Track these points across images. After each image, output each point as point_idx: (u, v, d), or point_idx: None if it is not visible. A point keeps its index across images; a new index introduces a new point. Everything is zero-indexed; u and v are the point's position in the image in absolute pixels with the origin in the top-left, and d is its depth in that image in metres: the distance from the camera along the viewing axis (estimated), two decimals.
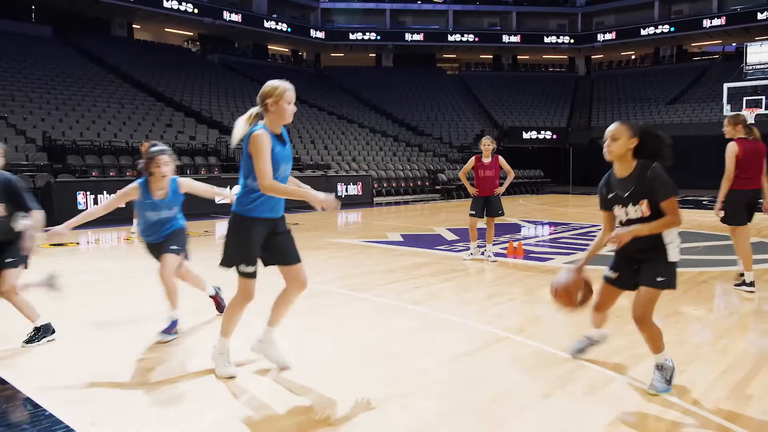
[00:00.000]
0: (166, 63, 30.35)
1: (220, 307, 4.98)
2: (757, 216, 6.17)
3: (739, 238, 5.84)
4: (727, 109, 24.57)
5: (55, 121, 18.58)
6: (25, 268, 4.13)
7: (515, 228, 11.82)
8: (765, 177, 5.77)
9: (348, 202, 18.41)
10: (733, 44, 37.73)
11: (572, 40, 41.69)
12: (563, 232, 11.27)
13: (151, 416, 3.02)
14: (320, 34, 40.00)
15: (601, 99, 37.15)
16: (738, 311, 5.29)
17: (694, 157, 21.10)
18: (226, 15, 34.45)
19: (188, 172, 17.59)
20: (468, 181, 7.97)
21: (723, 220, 5.98)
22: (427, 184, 23.62)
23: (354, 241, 9.85)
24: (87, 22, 31.81)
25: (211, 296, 4.99)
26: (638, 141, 3.13)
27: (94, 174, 15.46)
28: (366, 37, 40.76)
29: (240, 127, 3.32)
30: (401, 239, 10.12)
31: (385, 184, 22.13)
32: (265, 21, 36.79)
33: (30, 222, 3.88)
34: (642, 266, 3.20)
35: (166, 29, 36.09)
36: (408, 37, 41.10)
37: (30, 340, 4.14)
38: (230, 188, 15.58)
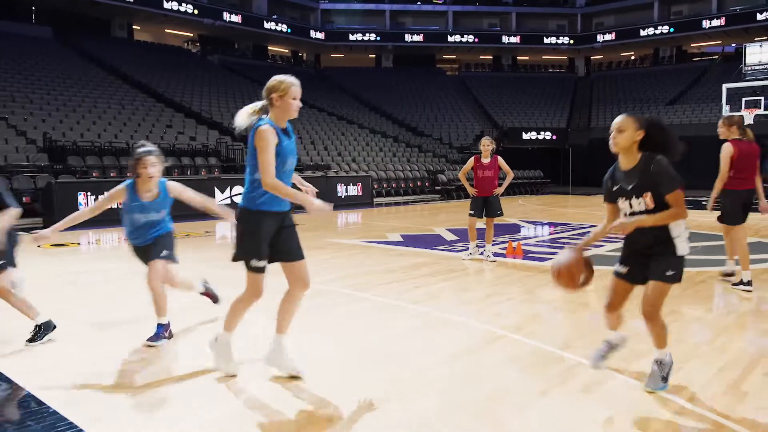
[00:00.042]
0: (166, 64, 30.40)
1: (214, 298, 4.97)
2: (756, 216, 6.23)
3: (737, 238, 5.92)
4: (726, 110, 24.62)
5: (56, 122, 18.62)
6: (14, 267, 4.13)
7: (515, 228, 11.86)
8: (759, 177, 5.88)
9: (348, 203, 18.44)
10: (733, 45, 37.80)
11: (572, 41, 41.75)
12: (563, 232, 11.30)
13: (151, 415, 3.04)
14: (320, 35, 40.06)
15: (601, 100, 37.20)
16: (736, 310, 5.33)
17: (693, 157, 21.03)
18: (226, 16, 34.52)
19: (188, 172, 17.64)
20: (467, 182, 8.01)
21: (720, 219, 6.04)
22: (426, 184, 23.65)
23: (354, 242, 9.88)
24: (87, 23, 31.87)
25: (202, 293, 4.95)
26: (644, 134, 3.12)
27: (94, 175, 15.50)
28: (366, 38, 40.83)
29: (243, 117, 3.31)
30: (401, 239, 10.15)
31: (384, 185, 22.17)
32: (265, 22, 36.85)
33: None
34: (650, 261, 3.18)
35: (166, 30, 36.16)
36: (408, 37, 41.17)
37: (33, 339, 4.16)
38: (230, 189, 15.71)
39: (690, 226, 3.37)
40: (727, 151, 5.70)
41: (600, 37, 40.71)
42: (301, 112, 3.48)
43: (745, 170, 5.73)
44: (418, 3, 42.92)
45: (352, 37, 40.84)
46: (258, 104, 3.34)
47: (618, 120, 3.18)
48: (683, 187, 3.05)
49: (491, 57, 44.42)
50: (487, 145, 7.82)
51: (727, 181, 5.78)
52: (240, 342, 3.80)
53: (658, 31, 38.40)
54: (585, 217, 14.38)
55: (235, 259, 3.43)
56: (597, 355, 3.47)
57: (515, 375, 3.57)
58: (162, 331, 4.23)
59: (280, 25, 37.53)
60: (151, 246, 4.23)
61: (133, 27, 34.65)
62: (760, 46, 27.48)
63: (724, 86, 25.70)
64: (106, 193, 4.23)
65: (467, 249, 8.14)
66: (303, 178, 3.71)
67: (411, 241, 9.98)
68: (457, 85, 40.88)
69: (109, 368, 3.72)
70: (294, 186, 3.47)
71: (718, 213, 6.09)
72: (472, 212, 7.88)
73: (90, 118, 19.75)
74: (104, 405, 3.15)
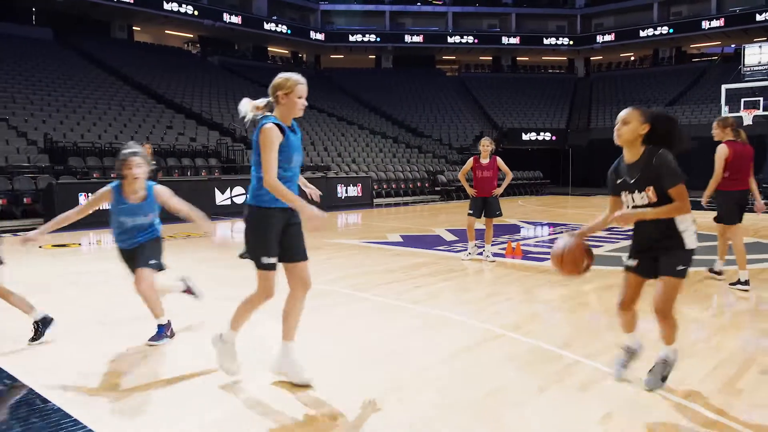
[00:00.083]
0: (166, 65, 30.45)
1: (195, 294, 4.95)
2: (755, 217, 6.29)
3: (733, 238, 5.99)
4: (725, 111, 24.66)
5: (56, 123, 18.67)
6: (2, 263, 4.15)
7: (514, 229, 11.90)
8: (753, 178, 5.98)
9: (348, 204, 18.49)
10: (732, 45, 37.85)
11: (571, 42, 41.81)
12: (562, 232, 11.34)
13: (151, 415, 3.06)
14: (320, 36, 40.12)
15: (600, 100, 37.25)
16: (733, 310, 5.37)
17: (693, 158, 21.07)
18: (226, 17, 34.58)
19: (189, 173, 17.69)
20: (467, 182, 8.06)
21: (717, 220, 6.11)
22: (426, 185, 23.70)
23: (354, 242, 9.92)
24: (87, 25, 31.93)
25: (184, 291, 4.90)
26: (649, 127, 3.10)
27: (95, 176, 15.55)
28: (366, 39, 40.89)
29: (247, 106, 3.30)
30: (401, 240, 10.19)
31: (384, 186, 22.22)
32: (265, 23, 36.91)
33: None
34: (660, 257, 3.15)
35: (166, 31, 36.21)
36: (407, 38, 41.23)
37: (35, 338, 4.19)
38: (231, 190, 15.75)
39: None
40: (722, 152, 5.79)
41: (599, 38, 40.78)
42: None
43: (739, 171, 5.83)
44: (418, 4, 43.00)
45: (351, 38, 40.90)
46: (263, 101, 3.32)
47: (624, 112, 3.15)
48: (685, 181, 3.02)
49: (491, 58, 44.48)
50: (486, 145, 7.87)
51: (721, 182, 5.87)
52: (244, 342, 3.83)
53: (657, 32, 38.47)
54: (585, 217, 14.42)
55: (243, 256, 3.35)
56: (618, 365, 3.40)
57: (514, 373, 3.61)
58: (163, 331, 4.25)
59: (280, 26, 37.59)
60: (139, 252, 4.18)
61: (134, 28, 34.72)
62: (760, 47, 27.51)
63: (723, 87, 25.74)
64: (92, 195, 4.19)
65: (466, 249, 8.18)
66: (304, 178, 3.70)
67: (411, 241, 10.02)
68: (457, 86, 40.94)
69: (111, 368, 3.75)
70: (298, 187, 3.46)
71: (714, 214, 6.17)
72: (471, 212, 7.93)
73: (90, 119, 19.80)
74: (105, 404, 3.18)
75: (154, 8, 31.67)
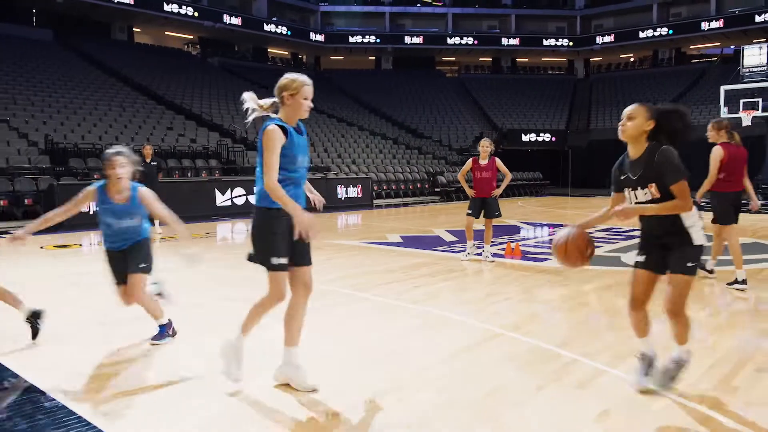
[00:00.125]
0: (166, 66, 30.50)
1: (165, 298, 4.74)
2: (753, 218, 6.35)
3: (729, 238, 6.07)
4: (724, 112, 24.71)
5: (57, 124, 18.71)
6: None
7: (514, 229, 11.94)
8: (747, 179, 6.08)
9: (348, 205, 18.53)
10: (732, 47, 37.90)
11: (571, 43, 41.88)
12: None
13: (151, 414, 3.08)
14: (320, 37, 40.17)
15: (600, 101, 37.31)
16: (730, 309, 5.41)
17: (693, 158, 21.12)
18: (226, 18, 34.63)
19: (189, 174, 17.73)
20: (466, 183, 8.10)
21: (713, 221, 6.17)
22: (426, 186, 23.74)
23: (354, 243, 9.96)
24: (87, 26, 31.99)
25: (157, 294, 4.72)
26: (655, 124, 3.08)
27: (95, 177, 15.56)
28: (365, 40, 40.96)
29: (251, 102, 3.28)
30: (401, 240, 10.23)
31: (384, 187, 22.26)
32: (265, 24, 36.96)
33: None
34: (669, 255, 3.13)
35: (166, 32, 36.26)
36: (407, 40, 41.28)
37: (35, 334, 4.22)
38: (231, 191, 15.79)
39: None
40: (717, 153, 5.87)
41: (599, 39, 40.84)
42: None
43: (734, 173, 5.92)
44: (418, 5, 43.07)
45: (351, 40, 40.96)
46: (268, 101, 3.30)
47: (629, 108, 3.14)
48: (688, 178, 3.00)
49: (491, 59, 44.54)
50: (486, 146, 7.92)
51: (716, 184, 5.95)
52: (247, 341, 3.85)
53: (657, 33, 38.53)
54: (584, 218, 14.44)
55: (251, 258, 3.29)
56: (639, 375, 3.28)
57: (513, 373, 3.64)
58: (165, 330, 4.28)
59: (280, 27, 37.65)
60: (128, 255, 4.15)
61: (134, 29, 34.76)
62: (760, 48, 27.57)
63: (722, 88, 25.80)
64: (77, 194, 4.14)
65: (465, 250, 8.22)
66: (309, 184, 3.62)
67: (410, 242, 10.06)
68: (457, 87, 41.00)
69: (111, 367, 3.78)
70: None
71: (710, 215, 6.23)
72: (469, 212, 7.97)
73: (91, 121, 19.84)
74: (105, 404, 3.20)
75: (155, 9, 31.72)
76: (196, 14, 33.36)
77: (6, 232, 11.39)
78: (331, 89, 37.13)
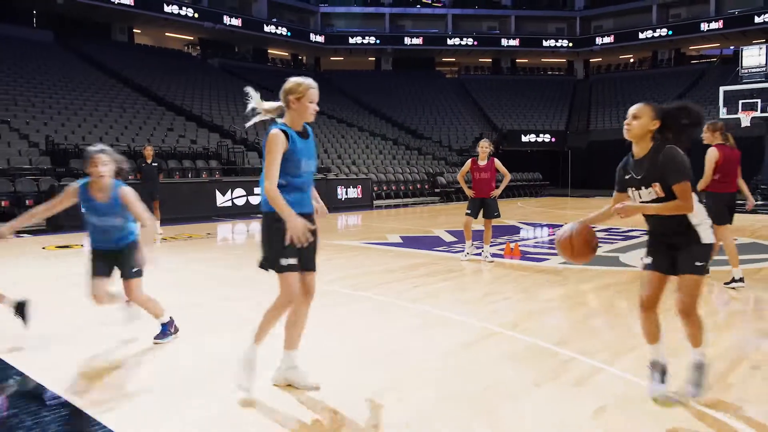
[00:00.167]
0: (166, 67, 30.55)
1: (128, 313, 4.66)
2: (751, 218, 6.40)
3: (723, 238, 6.15)
4: (723, 112, 24.75)
5: (58, 125, 18.76)
6: None
7: (513, 230, 11.98)
8: (742, 180, 6.16)
9: (348, 205, 18.57)
10: (731, 47, 37.93)
11: (571, 44, 41.94)
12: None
13: (152, 413, 3.09)
14: (320, 38, 40.23)
15: (600, 102, 37.36)
16: (727, 309, 5.46)
17: (693, 159, 21.16)
18: (226, 19, 34.68)
19: (190, 175, 17.77)
20: (465, 184, 8.14)
21: None
22: (426, 187, 23.79)
23: (354, 243, 10.00)
24: (88, 27, 32.05)
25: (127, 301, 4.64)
26: (660, 123, 3.04)
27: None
28: (365, 41, 41.02)
29: (258, 103, 3.29)
30: (400, 241, 10.27)
31: (384, 187, 22.30)
32: (265, 25, 37.03)
33: None
34: (678, 255, 3.08)
35: (166, 34, 36.31)
36: (407, 41, 41.33)
37: (24, 321, 4.27)
38: (231, 192, 15.83)
39: None
40: (712, 155, 5.94)
41: (599, 40, 40.89)
42: None
43: (728, 174, 5.99)
44: (418, 6, 43.15)
45: (351, 41, 41.02)
46: (273, 104, 3.32)
47: (635, 107, 3.10)
48: (691, 179, 2.97)
49: (490, 60, 44.60)
50: (484, 147, 7.96)
51: (711, 185, 6.03)
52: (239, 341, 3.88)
53: (656, 34, 38.58)
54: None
55: (263, 265, 3.28)
56: (654, 383, 3.18)
57: (511, 370, 3.68)
58: (167, 329, 4.32)
59: (280, 28, 37.71)
60: (119, 258, 4.13)
61: (134, 30, 34.82)
62: (759, 48, 27.61)
63: (721, 89, 25.84)
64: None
65: (464, 250, 8.27)
66: (316, 192, 3.58)
67: (410, 242, 10.10)
68: (457, 88, 41.05)
69: (112, 367, 3.81)
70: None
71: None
72: (468, 212, 8.01)
73: (91, 122, 19.89)
74: (106, 403, 3.22)
75: (155, 11, 31.77)
76: (196, 15, 33.43)
77: None
78: (331, 90, 37.17)
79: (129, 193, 4.04)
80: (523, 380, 3.49)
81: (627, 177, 3.17)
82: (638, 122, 3.04)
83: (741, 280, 6.00)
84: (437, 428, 2.88)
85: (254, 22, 36.64)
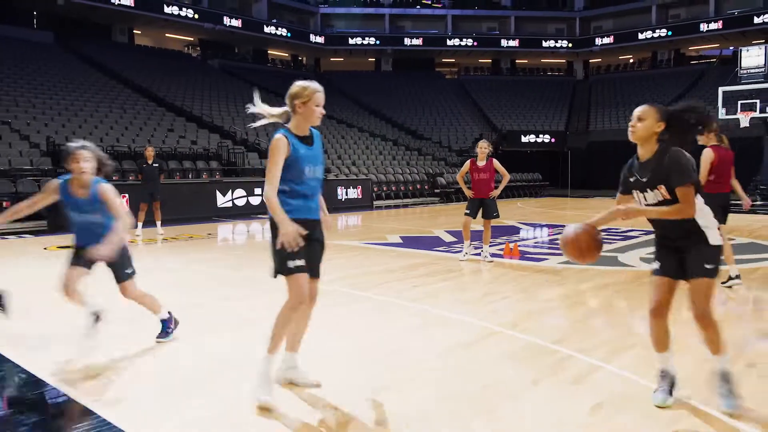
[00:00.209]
0: (166, 68, 30.59)
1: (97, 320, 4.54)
2: (749, 218, 6.44)
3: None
4: (722, 113, 24.78)
5: (58, 126, 18.79)
6: None
7: (513, 230, 12.01)
8: (735, 180, 6.23)
9: (348, 206, 18.61)
10: (730, 48, 37.97)
11: (570, 45, 41.99)
12: (560, 234, 11.45)
13: (152, 413, 3.11)
14: (320, 39, 40.28)
15: (599, 103, 37.40)
16: (725, 308, 5.47)
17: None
18: (226, 20, 34.73)
19: (190, 176, 17.80)
20: (465, 184, 8.18)
21: None
22: (426, 187, 23.83)
23: (354, 243, 10.03)
24: (88, 28, 32.09)
25: (93, 314, 4.42)
26: (665, 125, 3.00)
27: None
28: (365, 42, 41.06)
29: (265, 110, 3.29)
30: (400, 241, 10.30)
31: (384, 188, 22.34)
32: (265, 26, 37.07)
33: None
34: (686, 258, 3.03)
35: (166, 35, 36.35)
36: (407, 41, 41.37)
37: (6, 312, 4.18)
38: (232, 193, 15.85)
39: None
40: (707, 156, 5.99)
41: (598, 41, 40.95)
42: None
43: (723, 175, 6.05)
44: (417, 7, 43.19)
45: (351, 41, 41.07)
46: (279, 110, 3.30)
47: (639, 108, 3.07)
48: (694, 183, 2.94)
49: (490, 60, 44.64)
50: (484, 148, 8.00)
51: (705, 185, 6.07)
52: (248, 339, 3.91)
53: (656, 35, 38.63)
54: (583, 219, 14.51)
55: (275, 272, 3.23)
56: (663, 393, 3.12)
57: (509, 368, 3.71)
58: (167, 325, 4.34)
59: (280, 29, 37.75)
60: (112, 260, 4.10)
61: (134, 31, 34.86)
62: (759, 48, 27.65)
63: (720, 89, 25.88)
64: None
65: (462, 250, 8.30)
66: (324, 203, 3.53)
67: (410, 242, 10.13)
68: (456, 89, 41.09)
69: (113, 367, 3.83)
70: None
71: None
72: (467, 212, 8.05)
73: (92, 122, 19.93)
74: (106, 403, 3.24)
75: (155, 12, 31.82)
76: (196, 16, 33.48)
77: (9, 234, 11.47)
78: (331, 91, 36.85)
79: (108, 190, 3.99)
80: (523, 379, 3.51)
81: (632, 180, 3.13)
82: (643, 124, 3.01)
83: (737, 277, 6.10)
84: (437, 427, 2.90)
85: (254, 23, 36.68)
